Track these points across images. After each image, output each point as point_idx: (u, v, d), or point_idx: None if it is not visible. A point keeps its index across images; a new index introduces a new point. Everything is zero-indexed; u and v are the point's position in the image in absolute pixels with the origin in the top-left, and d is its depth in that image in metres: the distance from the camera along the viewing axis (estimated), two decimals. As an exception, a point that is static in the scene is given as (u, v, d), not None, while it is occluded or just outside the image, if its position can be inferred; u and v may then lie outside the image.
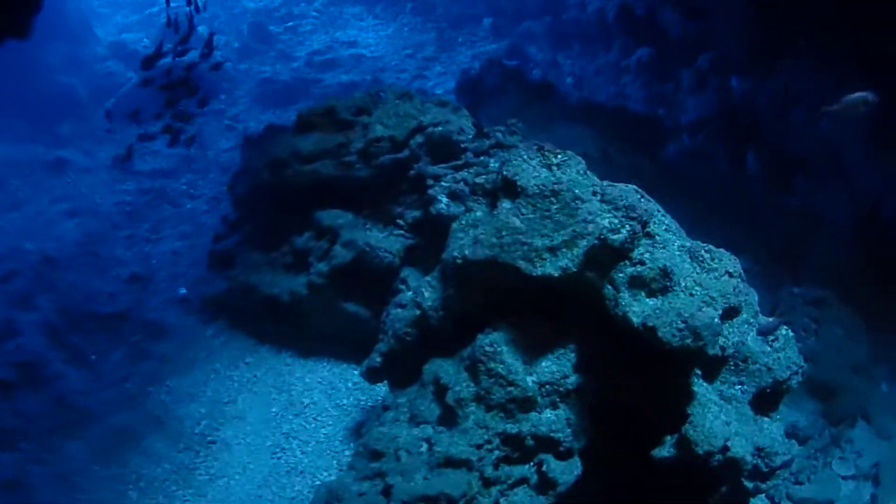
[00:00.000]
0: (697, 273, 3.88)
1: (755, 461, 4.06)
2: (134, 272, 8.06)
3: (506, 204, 4.06)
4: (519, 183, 4.04)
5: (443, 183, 5.76)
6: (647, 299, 3.77)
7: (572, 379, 4.02)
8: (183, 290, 7.63)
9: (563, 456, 3.99)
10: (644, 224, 3.95)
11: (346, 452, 5.50)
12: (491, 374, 4.00)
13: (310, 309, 6.28)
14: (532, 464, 4.00)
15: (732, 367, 4.19)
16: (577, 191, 3.93)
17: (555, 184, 3.94)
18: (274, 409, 6.04)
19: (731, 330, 4.05)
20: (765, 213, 8.44)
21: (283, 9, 15.89)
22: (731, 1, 9.37)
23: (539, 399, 3.99)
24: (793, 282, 7.31)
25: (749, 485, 4.26)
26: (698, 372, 3.94)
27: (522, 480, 3.97)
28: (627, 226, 3.84)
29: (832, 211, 7.89)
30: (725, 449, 3.79)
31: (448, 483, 3.86)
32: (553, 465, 3.94)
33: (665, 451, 3.82)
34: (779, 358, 4.25)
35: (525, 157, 4.16)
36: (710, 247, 4.06)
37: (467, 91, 10.48)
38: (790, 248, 7.95)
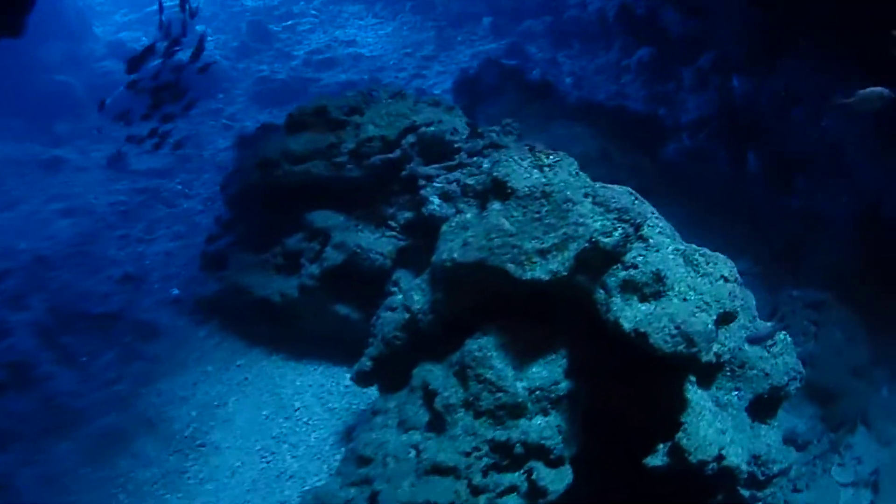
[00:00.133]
0: (692, 277, 3.78)
1: (751, 469, 3.98)
2: (127, 272, 8.01)
3: (496, 206, 3.98)
4: (509, 184, 3.95)
5: (435, 184, 5.68)
6: (640, 304, 3.68)
7: (563, 385, 3.93)
8: (176, 291, 7.57)
9: (554, 464, 3.90)
10: (637, 227, 3.85)
11: (337, 457, 5.42)
12: (480, 380, 3.92)
13: (301, 311, 6.21)
14: (522, 472, 3.91)
15: (729, 373, 4.12)
16: (568, 192, 3.84)
17: (546, 185, 3.86)
18: (265, 412, 5.98)
19: (727, 335, 3.96)
20: (765, 213, 8.36)
21: (282, 7, 15.85)
22: (732, 0, 9.29)
23: (529, 405, 3.91)
24: (794, 283, 7.23)
25: (745, 493, 4.17)
26: (692, 379, 3.85)
27: (512, 489, 3.88)
28: (620, 229, 3.75)
29: (833, 211, 7.81)
30: (720, 458, 3.70)
31: (435, 491, 3.79)
32: (543, 473, 3.85)
33: (658, 459, 3.73)
34: (777, 364, 4.18)
35: (516, 157, 4.07)
36: (705, 250, 3.96)
37: (465, 91, 10.40)
38: (791, 249, 7.87)
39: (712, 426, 3.73)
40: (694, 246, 4.00)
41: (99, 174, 10.46)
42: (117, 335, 7.10)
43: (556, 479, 3.85)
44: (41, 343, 6.95)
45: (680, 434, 3.66)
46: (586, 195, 3.89)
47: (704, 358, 3.64)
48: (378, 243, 5.90)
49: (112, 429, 6.03)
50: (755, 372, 4.09)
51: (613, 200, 3.85)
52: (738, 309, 3.97)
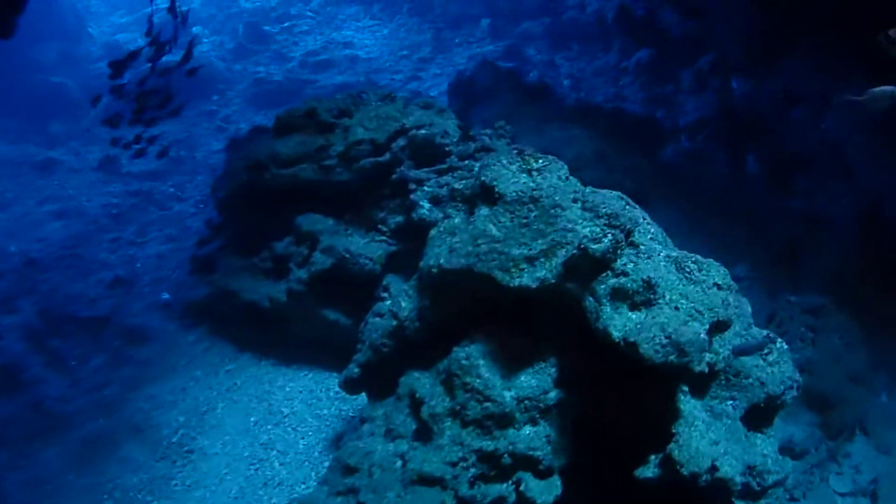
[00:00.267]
0: (684, 285, 3.68)
1: (746, 480, 3.88)
2: (118, 276, 7.95)
3: (483, 211, 3.88)
4: (497, 189, 3.85)
5: (426, 187, 5.59)
6: (630, 313, 3.58)
7: (552, 394, 3.83)
8: (166, 295, 7.50)
9: (543, 475, 3.80)
10: (628, 233, 3.75)
11: (325, 464, 5.34)
12: (467, 389, 3.82)
13: (290, 315, 6.13)
14: (510, 482, 3.81)
15: (724, 382, 4.01)
16: (557, 197, 3.74)
17: (534, 190, 3.76)
18: (253, 419, 5.90)
19: (721, 344, 3.86)
20: (765, 214, 8.28)
21: (279, 9, 15.80)
22: (731, 1, 9.21)
23: (517, 415, 3.81)
24: (793, 287, 7.13)
25: (739, 504, 4.07)
26: (685, 388, 3.75)
27: (500, 500, 3.78)
28: (609, 235, 3.65)
29: (833, 212, 7.73)
30: (713, 469, 3.59)
31: (421, 501, 3.70)
32: (532, 485, 3.75)
33: (649, 471, 3.63)
34: (773, 372, 4.06)
35: (504, 161, 3.97)
36: (698, 257, 3.86)
37: (460, 93, 10.31)
38: (790, 251, 7.78)
39: (705, 437, 3.63)
40: (686, 252, 3.90)
41: (92, 176, 10.41)
42: (107, 339, 7.04)
43: (545, 491, 3.75)
44: (30, 346, 6.90)
45: (672, 445, 3.56)
46: (575, 200, 3.79)
47: (696, 368, 3.54)
48: (368, 248, 5.81)
49: (100, 434, 5.98)
50: (750, 381, 3.97)
51: (603, 205, 3.75)
52: (733, 317, 3.86)
